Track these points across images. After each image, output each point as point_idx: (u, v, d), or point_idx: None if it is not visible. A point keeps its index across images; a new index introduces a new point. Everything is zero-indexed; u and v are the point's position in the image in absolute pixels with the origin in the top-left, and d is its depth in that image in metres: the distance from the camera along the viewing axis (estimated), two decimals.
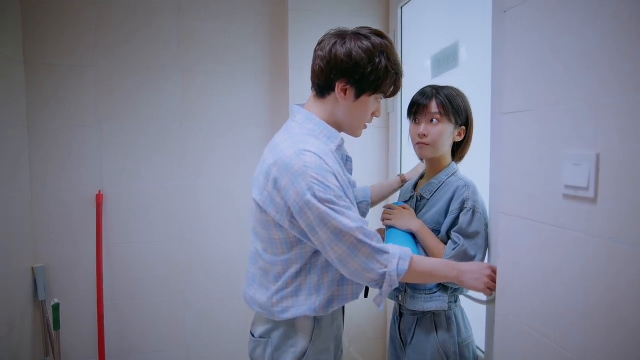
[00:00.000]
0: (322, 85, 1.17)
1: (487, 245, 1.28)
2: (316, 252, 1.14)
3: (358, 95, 1.15)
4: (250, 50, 2.17)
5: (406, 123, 1.43)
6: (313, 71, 1.19)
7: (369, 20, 2.14)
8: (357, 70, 1.11)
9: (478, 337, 1.37)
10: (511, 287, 1.02)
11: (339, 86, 1.13)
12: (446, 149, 1.35)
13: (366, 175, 2.14)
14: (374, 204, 1.57)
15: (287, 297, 1.16)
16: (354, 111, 1.18)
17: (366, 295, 1.28)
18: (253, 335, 1.25)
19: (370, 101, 1.17)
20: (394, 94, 1.21)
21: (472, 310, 1.38)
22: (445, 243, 1.29)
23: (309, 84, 1.21)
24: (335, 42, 1.13)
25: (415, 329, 1.34)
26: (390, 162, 2.21)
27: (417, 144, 1.35)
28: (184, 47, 2.09)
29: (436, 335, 1.31)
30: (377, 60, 1.11)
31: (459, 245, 1.25)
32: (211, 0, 2.11)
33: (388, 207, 1.42)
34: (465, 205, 1.27)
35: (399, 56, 1.35)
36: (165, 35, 2.06)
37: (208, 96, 2.14)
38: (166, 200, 2.11)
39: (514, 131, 0.99)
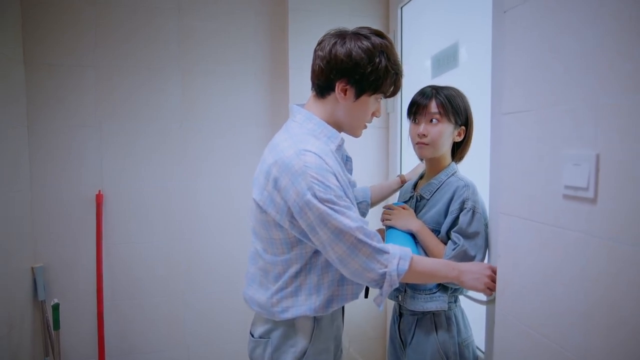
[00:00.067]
0: (322, 85, 1.17)
1: (487, 245, 1.28)
2: (316, 252, 1.14)
3: (358, 95, 1.15)
4: (250, 50, 2.17)
5: (406, 123, 1.43)
6: (313, 71, 1.19)
7: (369, 20, 2.14)
8: (357, 70, 1.11)
9: (478, 337, 1.37)
10: (511, 287, 1.02)
11: (339, 86, 1.13)
12: (446, 149, 1.35)
13: (366, 175, 2.14)
14: (373, 204, 1.57)
15: (286, 297, 1.15)
16: (354, 111, 1.18)
17: (366, 296, 1.28)
18: (252, 336, 1.24)
19: (370, 101, 1.17)
20: (394, 94, 1.21)
21: (472, 311, 1.38)
22: (445, 243, 1.29)
23: (309, 84, 1.21)
24: (335, 42, 1.13)
25: (415, 329, 1.34)
26: (390, 162, 2.21)
27: (417, 143, 1.35)
28: (184, 47, 2.09)
29: (436, 335, 1.30)
30: (377, 60, 1.11)
31: (458, 245, 1.25)
32: (211, 0, 2.11)
33: (388, 207, 1.42)
34: (465, 206, 1.27)
35: (399, 56, 1.35)
36: (165, 35, 2.06)
37: (208, 96, 2.14)
38: (166, 200, 2.11)
39: (513, 131, 0.99)
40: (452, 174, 1.35)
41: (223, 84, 2.15)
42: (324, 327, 1.21)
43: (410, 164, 1.81)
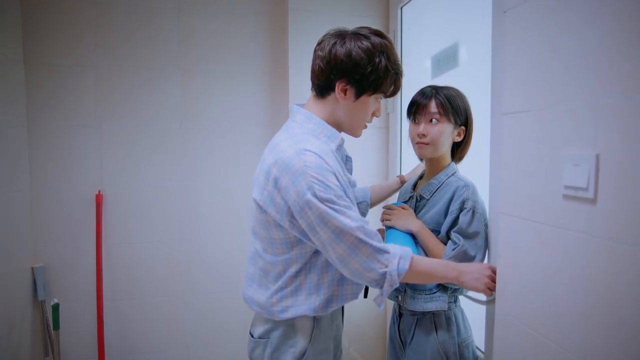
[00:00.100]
0: (322, 86, 1.17)
1: (486, 245, 1.28)
2: (316, 252, 1.14)
3: (358, 95, 1.15)
4: (250, 50, 2.17)
5: (406, 123, 1.43)
6: (313, 71, 1.19)
7: (369, 20, 2.14)
8: (357, 70, 1.11)
9: (478, 337, 1.37)
10: (511, 288, 1.02)
11: (339, 86, 1.13)
12: (445, 149, 1.35)
13: (366, 175, 2.14)
14: (373, 204, 1.57)
15: (286, 297, 1.15)
16: (354, 111, 1.18)
17: (365, 296, 1.28)
18: (252, 336, 1.24)
19: (370, 101, 1.17)
20: (394, 93, 1.21)
21: (471, 311, 1.38)
22: (445, 243, 1.29)
23: (309, 84, 1.21)
24: (335, 42, 1.12)
25: (415, 329, 1.34)
26: (390, 162, 2.21)
27: (417, 143, 1.35)
28: (184, 47, 2.09)
29: (436, 335, 1.30)
30: (377, 60, 1.11)
31: (458, 245, 1.25)
32: (211, 0, 2.11)
33: (387, 208, 1.42)
34: (465, 206, 1.27)
35: (399, 56, 1.35)
36: (165, 35, 2.06)
37: (208, 96, 2.14)
38: (166, 200, 2.11)
39: (513, 131, 0.98)
40: (452, 174, 1.35)
41: (223, 84, 2.15)
42: (323, 327, 1.21)
43: (410, 164, 1.81)
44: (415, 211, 1.38)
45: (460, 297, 1.37)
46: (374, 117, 1.23)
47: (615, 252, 0.72)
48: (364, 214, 1.45)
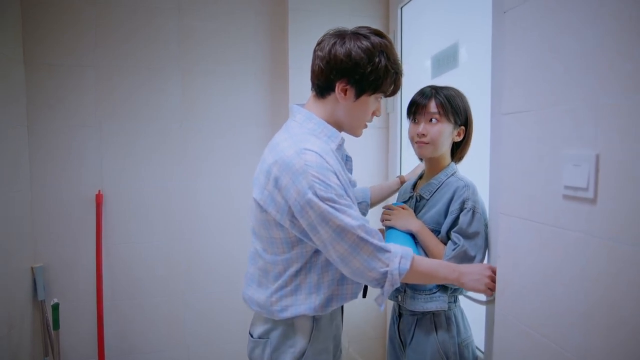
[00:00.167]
0: (322, 86, 1.17)
1: (486, 245, 1.28)
2: (316, 251, 1.14)
3: (358, 95, 1.15)
4: (250, 50, 2.17)
5: (406, 123, 1.43)
6: (313, 71, 1.19)
7: (369, 21, 2.14)
8: (357, 70, 1.11)
9: (477, 337, 1.37)
10: (511, 288, 1.02)
11: (339, 86, 1.13)
12: (445, 149, 1.35)
13: (366, 175, 2.14)
14: (373, 204, 1.57)
15: (286, 296, 1.15)
16: (354, 111, 1.18)
17: (364, 296, 1.28)
18: (252, 336, 1.24)
19: (371, 101, 1.17)
20: (394, 93, 1.21)
21: (471, 311, 1.38)
22: (445, 243, 1.29)
23: (309, 84, 1.21)
24: (335, 42, 1.12)
25: (414, 329, 1.34)
26: (389, 162, 2.21)
27: (417, 142, 1.35)
28: (184, 47, 2.09)
29: (436, 335, 1.30)
30: (377, 59, 1.11)
31: (459, 245, 1.25)
32: (211, 0, 2.11)
33: (387, 208, 1.42)
34: (465, 206, 1.27)
35: (399, 55, 1.35)
36: (165, 35, 2.06)
37: (208, 96, 2.14)
38: (166, 200, 2.11)
39: (513, 131, 0.98)
40: (452, 174, 1.35)
41: (223, 84, 2.15)
42: (323, 327, 1.21)
43: (410, 164, 1.81)
44: (414, 211, 1.38)
45: (460, 297, 1.37)
46: (374, 117, 1.23)
47: (615, 252, 0.72)
48: (363, 214, 1.45)
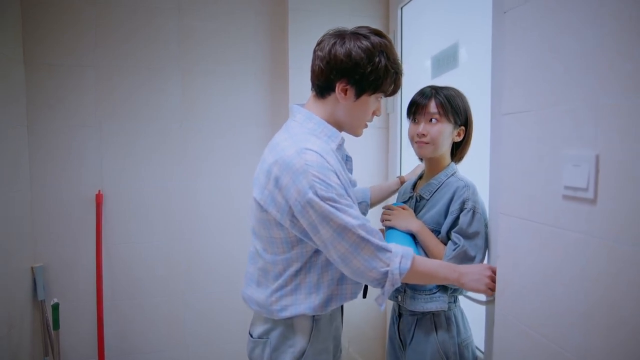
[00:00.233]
0: (322, 86, 1.17)
1: (487, 245, 1.28)
2: (317, 251, 1.14)
3: (358, 95, 1.15)
4: (250, 50, 2.17)
5: (406, 123, 1.43)
6: (313, 72, 1.19)
7: (368, 21, 2.14)
8: (357, 70, 1.11)
9: (477, 337, 1.37)
10: (511, 288, 1.02)
11: (339, 86, 1.13)
12: (445, 149, 1.35)
13: (366, 175, 2.14)
14: (373, 205, 1.57)
15: (286, 295, 1.15)
16: (355, 111, 1.18)
17: (364, 296, 1.28)
18: (251, 336, 1.24)
19: (371, 100, 1.17)
20: (394, 92, 1.21)
21: (471, 311, 1.38)
22: (445, 243, 1.29)
23: (309, 84, 1.21)
24: (335, 43, 1.12)
25: (414, 329, 1.34)
26: (389, 163, 2.21)
27: (417, 142, 1.35)
28: (184, 47, 2.09)
29: (436, 335, 1.30)
30: (377, 59, 1.11)
31: (459, 245, 1.25)
32: (211, 0, 2.11)
33: (387, 208, 1.42)
34: (466, 206, 1.27)
35: (399, 55, 1.35)
36: (165, 35, 2.06)
37: (208, 96, 2.14)
38: (166, 200, 2.11)
39: (513, 132, 0.98)
40: (452, 174, 1.35)
41: (223, 84, 2.15)
42: (322, 327, 1.21)
43: (410, 164, 1.81)
44: (414, 211, 1.38)
45: (460, 297, 1.37)
46: (375, 116, 1.23)
47: (615, 252, 0.72)
48: (363, 214, 1.45)
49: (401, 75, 1.19)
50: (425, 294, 1.30)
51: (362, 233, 1.06)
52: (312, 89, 1.22)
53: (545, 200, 0.88)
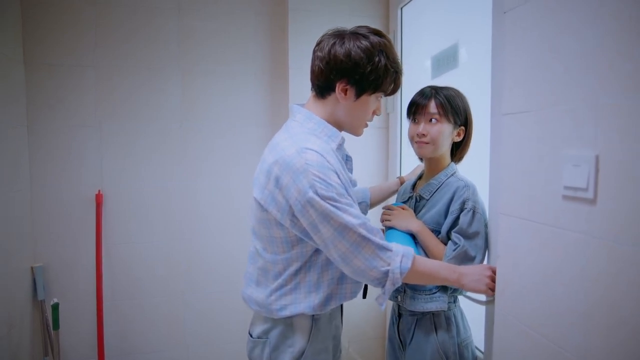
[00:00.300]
0: (322, 86, 1.17)
1: (487, 245, 1.28)
2: (317, 250, 1.14)
3: (358, 95, 1.15)
4: (250, 50, 2.17)
5: (406, 123, 1.43)
6: (312, 72, 1.19)
7: (368, 21, 2.13)
8: (357, 70, 1.11)
9: (477, 337, 1.37)
10: (511, 288, 1.02)
11: (339, 86, 1.13)
12: (445, 149, 1.35)
13: (366, 175, 2.14)
14: (372, 205, 1.57)
15: (285, 295, 1.15)
16: (355, 111, 1.18)
17: (364, 296, 1.28)
18: (251, 336, 1.24)
19: (371, 100, 1.17)
20: (394, 92, 1.21)
21: (471, 311, 1.38)
22: (445, 244, 1.29)
23: (309, 84, 1.21)
24: (334, 43, 1.13)
25: (414, 329, 1.34)
26: (389, 163, 2.21)
27: (417, 142, 1.35)
28: (184, 47, 2.09)
29: (435, 335, 1.30)
30: (377, 59, 1.11)
31: (459, 245, 1.25)
32: (211, 0, 2.11)
33: (387, 208, 1.42)
34: (466, 206, 1.27)
35: (398, 55, 1.35)
36: (165, 35, 2.06)
37: (208, 96, 2.14)
38: (166, 200, 2.11)
39: (513, 132, 0.98)
40: (452, 175, 1.35)
41: (223, 84, 2.15)
42: (322, 326, 1.21)
43: (410, 164, 1.81)
44: (414, 211, 1.38)
45: (460, 297, 1.37)
46: (375, 116, 1.23)
47: (615, 252, 0.72)
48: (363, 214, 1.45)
49: (401, 74, 1.19)
50: (425, 294, 1.30)
51: (363, 232, 1.06)
52: (312, 89, 1.22)
53: (545, 200, 0.88)
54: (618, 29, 0.71)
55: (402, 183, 1.59)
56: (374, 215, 1.56)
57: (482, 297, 1.25)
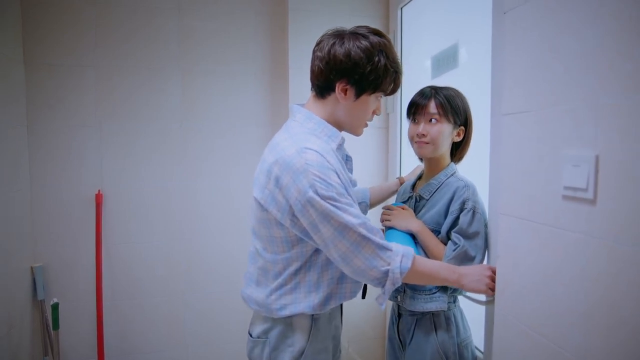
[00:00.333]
0: (322, 86, 1.17)
1: (486, 245, 1.28)
2: (317, 250, 1.14)
3: (358, 95, 1.15)
4: (250, 50, 2.17)
5: (405, 123, 1.43)
6: (312, 72, 1.19)
7: (369, 21, 2.13)
8: (357, 70, 1.11)
9: (477, 337, 1.37)
10: (511, 288, 1.02)
11: (339, 86, 1.13)
12: (445, 149, 1.36)
13: (366, 175, 2.14)
14: (372, 205, 1.57)
15: (285, 294, 1.15)
16: (355, 111, 1.18)
17: (363, 296, 1.28)
18: (251, 335, 1.25)
19: (371, 100, 1.17)
20: (393, 91, 1.21)
21: (471, 311, 1.38)
22: (445, 244, 1.29)
23: (309, 84, 1.21)
24: (334, 43, 1.13)
25: (414, 329, 1.34)
26: (389, 163, 2.21)
27: (416, 142, 1.35)
28: (184, 47, 2.09)
29: (435, 335, 1.30)
30: (376, 59, 1.11)
31: (459, 245, 1.25)
32: (211, 0, 2.11)
33: (387, 208, 1.42)
34: (466, 206, 1.27)
35: (398, 55, 1.35)
36: (165, 35, 2.06)
37: (208, 96, 2.14)
38: (166, 200, 2.11)
39: (513, 132, 0.99)
40: (452, 175, 1.35)
41: (223, 84, 2.15)
42: (321, 326, 1.21)
43: (410, 164, 1.81)
44: (414, 211, 1.38)
45: (460, 297, 1.37)
46: (375, 116, 1.23)
47: (615, 252, 0.72)
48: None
49: (401, 74, 1.19)
50: (425, 294, 1.30)
51: (363, 232, 1.06)
52: (312, 89, 1.22)
53: (545, 201, 0.88)
54: (618, 29, 0.71)
55: (401, 183, 1.59)
56: (374, 215, 1.56)
57: (482, 297, 1.25)
